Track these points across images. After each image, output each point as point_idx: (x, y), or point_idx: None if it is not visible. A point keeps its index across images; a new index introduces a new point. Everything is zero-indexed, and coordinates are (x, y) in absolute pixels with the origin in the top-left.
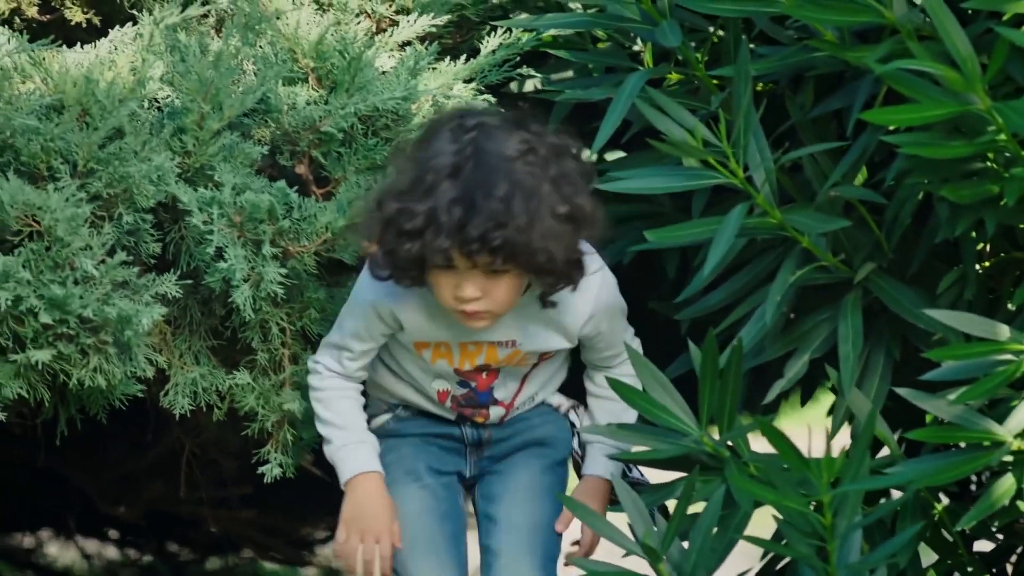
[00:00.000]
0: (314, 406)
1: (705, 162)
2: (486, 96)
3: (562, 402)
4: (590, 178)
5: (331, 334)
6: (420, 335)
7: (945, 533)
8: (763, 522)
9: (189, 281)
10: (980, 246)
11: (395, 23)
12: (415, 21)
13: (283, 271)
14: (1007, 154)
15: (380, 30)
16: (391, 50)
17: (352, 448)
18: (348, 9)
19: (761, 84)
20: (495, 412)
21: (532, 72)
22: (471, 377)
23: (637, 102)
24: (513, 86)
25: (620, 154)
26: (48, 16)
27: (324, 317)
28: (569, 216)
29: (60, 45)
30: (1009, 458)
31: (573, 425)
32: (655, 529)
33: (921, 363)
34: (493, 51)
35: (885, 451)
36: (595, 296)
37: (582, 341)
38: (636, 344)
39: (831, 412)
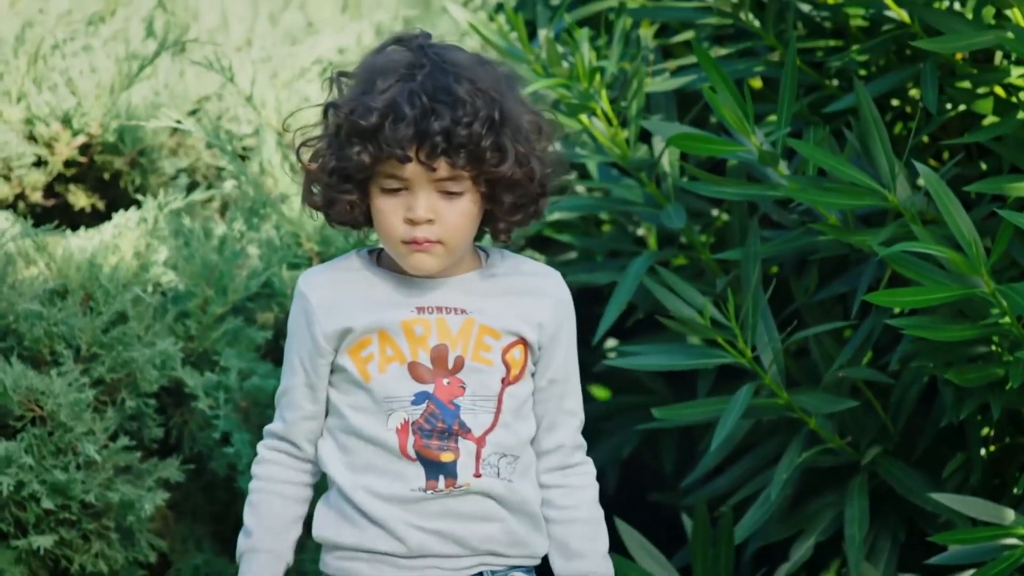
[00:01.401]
0: (247, 500)
1: (712, 342)
2: None
3: None
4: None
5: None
6: (358, 327)
7: None
8: None
9: (192, 466)
10: (985, 431)
11: None
12: None
13: None
14: (1012, 337)
15: None
16: None
17: (250, 557)
18: None
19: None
20: (465, 447)
21: (536, 255)
22: (428, 378)
23: (645, 281)
24: None
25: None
26: (52, 201)
27: None
28: (536, 126)
29: (64, 230)
30: None
31: None
32: None
33: (927, 547)
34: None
35: None
36: (559, 287)
37: (539, 366)
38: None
39: None
